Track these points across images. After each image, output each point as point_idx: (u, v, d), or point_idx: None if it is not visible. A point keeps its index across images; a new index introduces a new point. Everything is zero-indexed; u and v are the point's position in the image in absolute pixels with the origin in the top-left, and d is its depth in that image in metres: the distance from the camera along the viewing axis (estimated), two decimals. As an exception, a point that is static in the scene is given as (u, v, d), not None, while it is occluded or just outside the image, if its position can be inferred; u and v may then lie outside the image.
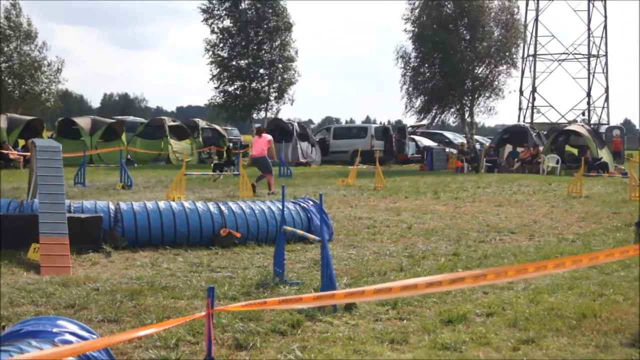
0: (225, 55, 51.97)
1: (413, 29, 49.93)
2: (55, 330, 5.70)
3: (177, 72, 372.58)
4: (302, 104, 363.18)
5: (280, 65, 52.71)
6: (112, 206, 14.64)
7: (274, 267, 11.61)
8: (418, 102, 50.53)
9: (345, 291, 7.55)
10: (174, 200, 17.17)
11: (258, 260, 13.24)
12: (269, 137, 27.83)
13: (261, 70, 52.54)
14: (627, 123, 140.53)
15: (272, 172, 26.87)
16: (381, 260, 13.48)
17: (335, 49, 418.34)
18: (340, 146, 51.00)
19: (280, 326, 8.72)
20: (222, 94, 52.36)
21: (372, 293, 6.97)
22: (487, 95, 50.93)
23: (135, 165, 41.59)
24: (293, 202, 15.92)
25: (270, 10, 51.77)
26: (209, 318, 6.08)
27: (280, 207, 13.27)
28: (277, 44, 52.61)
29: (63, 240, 12.55)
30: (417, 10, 49.93)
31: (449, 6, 49.63)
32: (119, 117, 60.98)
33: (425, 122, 53.64)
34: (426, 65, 50.40)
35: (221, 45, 51.94)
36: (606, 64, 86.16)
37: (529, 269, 7.42)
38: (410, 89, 50.20)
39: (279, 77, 52.57)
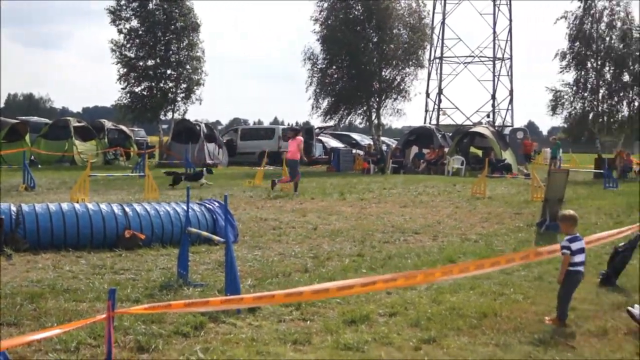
0: (133, 55, 51.42)
1: (321, 30, 50.02)
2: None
3: (84, 72, 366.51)
4: (210, 105, 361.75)
5: (187, 66, 52.31)
6: (14, 208, 14.35)
7: (178, 269, 11.56)
8: (325, 104, 50.63)
9: (254, 295, 7.57)
10: (77, 202, 16.92)
11: (162, 262, 13.15)
12: (300, 138, 29.03)
13: (169, 71, 52.09)
14: (530, 125, 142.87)
15: (299, 175, 28.34)
16: (286, 262, 13.51)
17: (244, 49, 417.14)
18: (248, 147, 50.93)
19: (183, 328, 8.69)
20: (129, 94, 51.76)
21: (283, 297, 7.01)
22: (394, 97, 51.26)
23: (39, 166, 40.82)
24: (198, 204, 15.86)
25: (177, 11, 51.38)
26: (109, 321, 6.04)
27: (185, 208, 13.21)
28: (184, 44, 52.19)
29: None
30: (325, 12, 50.03)
31: (357, 8, 49.81)
32: (23, 117, 59.80)
33: (332, 123, 53.76)
34: (334, 66, 50.49)
35: (128, 45, 51.36)
36: (511, 66, 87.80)
37: (436, 274, 7.55)
38: (318, 90, 50.25)
39: (187, 78, 52.18)
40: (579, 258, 9.63)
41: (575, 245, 9.61)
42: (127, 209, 14.84)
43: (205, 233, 12.69)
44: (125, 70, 51.51)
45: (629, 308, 9.54)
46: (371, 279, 7.45)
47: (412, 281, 7.55)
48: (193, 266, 12.41)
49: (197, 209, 15.37)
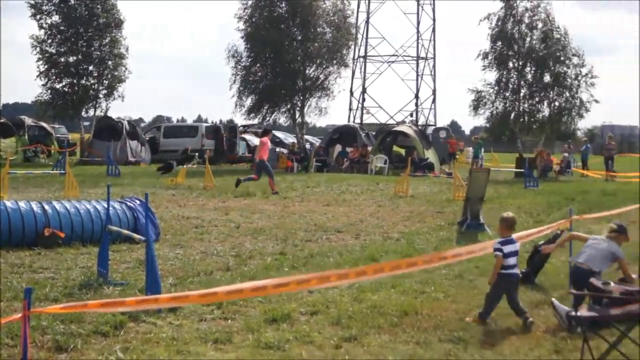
0: (54, 51, 50.63)
1: (245, 28, 49.78)
2: None
3: (3, 68, 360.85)
4: (133, 102, 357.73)
5: (110, 63, 51.69)
6: None
7: (98, 268, 11.45)
8: (249, 101, 50.39)
9: (170, 295, 7.53)
10: (-5, 200, 16.62)
11: (82, 260, 13.00)
12: (264, 139, 30.07)
13: (90, 67, 51.40)
14: (453, 124, 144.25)
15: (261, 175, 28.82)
16: (208, 260, 13.46)
17: (168, 47, 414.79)
18: (171, 145, 50.46)
19: (103, 327, 8.60)
20: (49, 91, 50.94)
21: (197, 298, 6.97)
22: (318, 95, 51.27)
23: (-44, 163, 40.10)
24: (119, 202, 15.70)
25: (100, 7, 50.75)
26: (25, 320, 5.95)
27: (106, 206, 13.05)
28: (107, 40, 51.56)
29: None
30: (249, 10, 49.82)
31: (281, 6, 49.70)
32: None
33: (256, 121, 53.58)
34: (258, 64, 50.27)
35: (49, 41, 50.56)
36: (434, 66, 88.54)
37: (349, 275, 7.57)
38: (242, 88, 49.99)
39: (109, 75, 51.55)
40: (511, 261, 9.74)
41: (507, 248, 9.74)
42: (46, 206, 14.61)
43: (125, 231, 12.59)
44: (46, 66, 50.69)
45: (553, 299, 9.68)
46: (285, 279, 7.46)
47: (326, 282, 7.56)
48: (113, 265, 12.29)
49: (118, 207, 15.21)
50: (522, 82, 47.02)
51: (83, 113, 52.47)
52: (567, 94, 46.28)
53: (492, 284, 9.81)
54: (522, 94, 47.03)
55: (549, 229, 12.15)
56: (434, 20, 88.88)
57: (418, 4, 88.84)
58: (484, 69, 47.51)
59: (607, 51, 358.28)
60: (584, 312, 8.35)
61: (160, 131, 53.24)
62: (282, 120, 53.50)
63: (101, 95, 51.84)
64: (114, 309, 8.01)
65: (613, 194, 29.05)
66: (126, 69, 52.81)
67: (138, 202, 15.62)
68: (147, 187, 27.12)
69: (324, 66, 50.45)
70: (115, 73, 52.04)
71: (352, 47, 54.60)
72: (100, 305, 6.58)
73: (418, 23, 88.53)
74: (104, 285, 10.83)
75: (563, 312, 9.29)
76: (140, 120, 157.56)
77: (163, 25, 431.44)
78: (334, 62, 50.68)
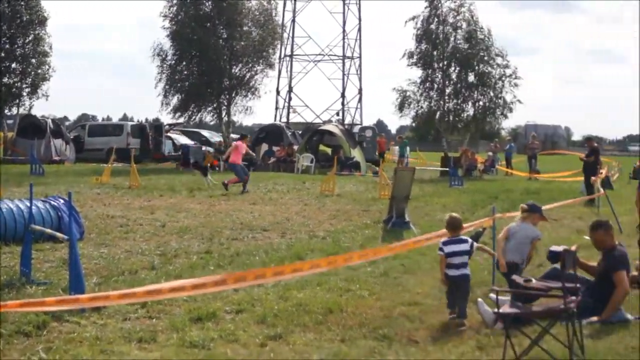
0: (-25, 49, 49.94)
1: (170, 26, 49.44)
2: None
3: None
4: (58, 101, 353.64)
5: (33, 60, 51.03)
6: None
7: (21, 267, 11.29)
8: (175, 100, 50.05)
9: (89, 296, 7.46)
10: None
11: (4, 260, 12.79)
12: (240, 143, 29.90)
13: (13, 65, 50.70)
14: (379, 124, 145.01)
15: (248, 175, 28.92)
16: (133, 259, 13.37)
17: (92, 44, 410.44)
18: (96, 144, 49.91)
19: (25, 327, 8.50)
20: (-30, 88, 50.26)
21: (117, 297, 6.93)
22: (244, 94, 51.12)
23: None
24: (43, 201, 15.50)
25: (23, 4, 50.08)
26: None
27: (29, 205, 12.88)
28: (30, 38, 50.88)
29: None
30: (174, 8, 49.51)
31: (206, 4, 49.47)
32: None
33: (182, 120, 53.26)
34: (183, 63, 49.99)
35: (-30, 38, 49.88)
36: (360, 65, 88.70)
37: (266, 274, 7.61)
38: (167, 86, 49.66)
39: (32, 72, 50.86)
40: (454, 260, 9.80)
41: (448, 248, 9.83)
42: (-33, 205, 14.37)
43: (49, 230, 12.46)
44: (-32, 63, 49.96)
45: (480, 300, 9.76)
46: (202, 280, 7.44)
47: (242, 282, 7.59)
48: (37, 264, 12.16)
49: (42, 205, 15.01)
50: (447, 82, 47.49)
51: (6, 111, 51.72)
52: (492, 94, 46.87)
53: (445, 284, 9.94)
54: (447, 94, 47.50)
55: (472, 227, 12.31)
56: (359, 19, 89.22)
57: (344, 4, 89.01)
58: (409, 68, 47.92)
59: (530, 52, 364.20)
60: (506, 308, 8.47)
61: (85, 130, 52.60)
62: (209, 119, 53.30)
63: (24, 93, 51.14)
64: (33, 309, 7.89)
65: (536, 193, 29.47)
66: (50, 67, 52.17)
67: (62, 201, 15.44)
68: (71, 186, 26.83)
69: (249, 65, 50.31)
70: (39, 71, 51.37)
71: (278, 46, 54.55)
72: (19, 305, 6.50)
73: (344, 22, 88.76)
74: (27, 285, 10.70)
75: (487, 314, 9.38)
76: (65, 118, 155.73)
77: (86, 22, 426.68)
78: (261, 61, 50.56)
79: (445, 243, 9.92)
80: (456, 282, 9.79)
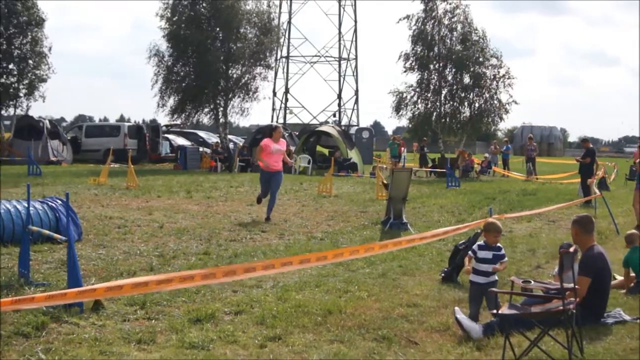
0: (-28, 50, 49.87)
1: (167, 26, 49.37)
2: None
3: None
4: (55, 101, 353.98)
5: (31, 61, 50.99)
6: None
7: (19, 268, 11.28)
8: (171, 101, 50.00)
9: (76, 290, 7.46)
10: None
11: (3, 261, 12.76)
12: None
13: (11, 66, 50.65)
14: (376, 125, 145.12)
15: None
16: (131, 260, 13.36)
17: (90, 45, 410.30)
18: (93, 145, 49.93)
19: (24, 328, 8.50)
20: (-33, 89, 50.21)
21: (104, 292, 6.95)
22: (240, 96, 51.06)
23: None
24: (40, 202, 15.47)
25: (20, 4, 50.02)
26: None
27: (26, 206, 12.87)
28: (28, 39, 50.83)
29: None
30: (171, 9, 49.44)
31: (202, 5, 49.39)
32: None
33: (178, 121, 53.26)
34: (180, 64, 49.94)
35: (-33, 39, 49.82)
36: (356, 67, 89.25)
37: (256, 268, 7.62)
38: (164, 87, 49.61)
39: (29, 73, 50.82)
40: (485, 267, 9.77)
41: (481, 254, 9.85)
42: (-35, 206, 14.36)
43: (46, 231, 12.45)
44: (-36, 64, 49.90)
45: (457, 316, 9.35)
46: (190, 273, 7.50)
47: (232, 275, 7.60)
48: (35, 265, 12.15)
49: (39, 206, 14.99)
50: (442, 83, 47.53)
51: (3, 112, 51.67)
52: (487, 95, 46.93)
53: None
54: (443, 95, 47.55)
55: (467, 227, 12.33)
56: (355, 21, 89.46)
57: (340, 5, 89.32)
58: (405, 71, 47.95)
59: (525, 53, 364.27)
60: (505, 310, 8.47)
61: (82, 130, 52.62)
62: (206, 120, 53.28)
63: (21, 94, 51.06)
64: (25, 306, 7.84)
65: (533, 194, 29.53)
66: (50, 67, 52.06)
67: (59, 201, 15.43)
68: (69, 187, 26.83)
69: (246, 66, 50.24)
70: (37, 72, 51.30)
71: (275, 47, 54.51)
72: (12, 303, 6.49)
73: (340, 24, 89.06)
74: (26, 286, 10.68)
75: (473, 329, 9.17)
76: (62, 119, 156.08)
77: (84, 23, 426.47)
78: (258, 63, 50.50)
79: (480, 247, 9.91)
80: (482, 289, 9.80)
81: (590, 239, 9.94)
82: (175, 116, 51.29)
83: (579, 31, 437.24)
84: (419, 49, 47.63)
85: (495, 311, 8.39)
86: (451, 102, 47.64)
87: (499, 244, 10.02)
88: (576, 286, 8.62)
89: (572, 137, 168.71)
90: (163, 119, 53.88)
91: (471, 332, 8.98)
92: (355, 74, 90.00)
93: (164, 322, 9.19)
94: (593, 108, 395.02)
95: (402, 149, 50.20)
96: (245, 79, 50.41)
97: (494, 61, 47.23)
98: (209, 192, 27.52)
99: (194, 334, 8.67)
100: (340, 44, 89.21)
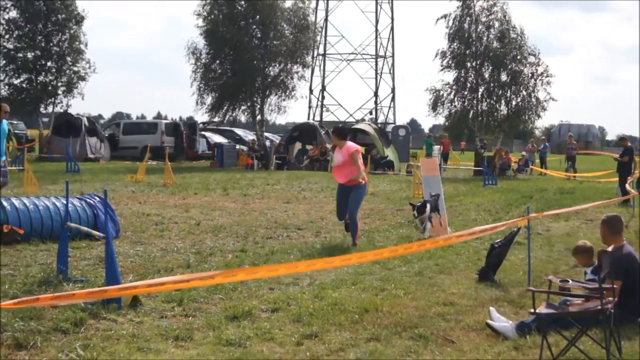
0: (12, 47, 50.06)
1: (204, 24, 49.46)
2: None
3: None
4: (93, 99, 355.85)
5: (69, 59, 51.20)
6: None
7: (58, 265, 11.38)
8: (209, 99, 50.06)
9: (118, 287, 7.50)
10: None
11: (42, 257, 12.90)
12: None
13: (49, 63, 50.91)
14: (412, 123, 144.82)
15: None
16: (168, 257, 13.42)
17: (128, 43, 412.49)
18: (130, 142, 50.21)
19: (63, 324, 8.55)
20: (7, 86, 50.41)
21: (145, 287, 6.98)
22: (278, 94, 51.06)
23: None
24: (79, 199, 15.58)
25: (59, 2, 50.23)
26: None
27: (65, 202, 12.96)
28: (66, 36, 51.02)
29: None
30: (208, 6, 49.53)
31: (240, 3, 49.43)
32: None
33: (216, 119, 53.38)
34: (217, 62, 49.97)
35: (7, 37, 50.00)
36: (392, 64, 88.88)
37: (279, 269, 7.65)
38: (202, 85, 49.71)
39: (68, 71, 51.04)
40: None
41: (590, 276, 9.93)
42: (5, 203, 14.46)
43: (84, 228, 12.54)
44: (4, 61, 50.13)
45: (487, 322, 9.30)
46: (209, 273, 7.53)
47: (232, 278, 7.65)
48: (73, 262, 12.23)
49: (78, 203, 15.10)
50: (479, 81, 47.27)
51: (42, 109, 51.96)
52: (524, 93, 46.61)
53: None
54: (480, 93, 47.29)
55: (504, 226, 12.26)
56: (392, 18, 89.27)
57: (376, 3, 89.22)
58: (442, 69, 47.75)
59: (563, 51, 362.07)
60: (542, 309, 8.42)
61: (119, 128, 52.98)
62: (243, 117, 53.40)
63: (60, 92, 51.28)
64: (65, 302, 7.86)
65: (570, 192, 29.33)
66: (90, 65, 52.24)
67: (97, 198, 15.53)
68: (106, 184, 27.01)
69: (283, 64, 50.23)
70: (75, 69, 51.51)
71: (312, 45, 54.48)
72: (51, 299, 6.52)
73: (377, 21, 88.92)
74: (64, 282, 10.76)
75: (507, 330, 9.10)
76: (100, 116, 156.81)
77: (123, 20, 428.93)
78: (295, 61, 50.46)
79: (593, 272, 9.88)
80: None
81: (619, 239, 9.81)
82: (213, 114, 51.37)
83: (617, 28, 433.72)
84: (456, 47, 47.38)
85: (532, 310, 8.34)
86: (488, 100, 47.34)
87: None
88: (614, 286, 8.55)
89: (610, 136, 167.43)
90: (201, 117, 53.96)
91: (506, 332, 8.94)
92: (392, 71, 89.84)
93: (201, 319, 9.22)
94: (631, 106, 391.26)
95: (448, 147, 49.98)
96: (282, 76, 50.40)
97: (531, 59, 46.87)
98: (246, 189, 27.58)
99: (231, 331, 8.69)
100: (377, 42, 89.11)
